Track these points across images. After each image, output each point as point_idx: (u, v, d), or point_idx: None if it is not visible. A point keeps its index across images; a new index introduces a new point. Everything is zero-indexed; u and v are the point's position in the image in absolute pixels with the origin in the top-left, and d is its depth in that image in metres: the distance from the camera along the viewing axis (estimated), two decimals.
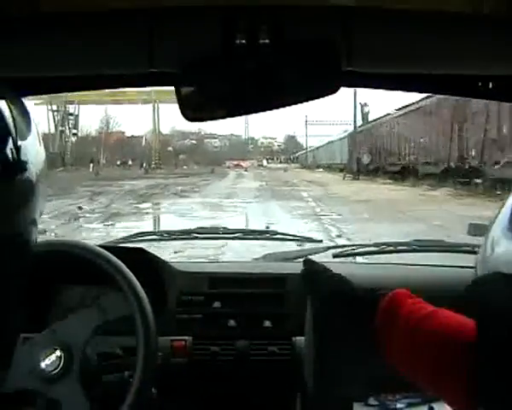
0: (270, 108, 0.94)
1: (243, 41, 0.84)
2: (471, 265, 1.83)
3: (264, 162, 54.78)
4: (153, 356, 1.30)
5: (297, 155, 58.45)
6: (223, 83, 0.88)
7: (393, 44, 0.89)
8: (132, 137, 55.56)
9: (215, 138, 62.21)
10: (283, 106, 0.92)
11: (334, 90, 0.88)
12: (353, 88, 1.08)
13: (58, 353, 1.24)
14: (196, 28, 0.87)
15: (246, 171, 40.69)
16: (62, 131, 45.61)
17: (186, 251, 5.56)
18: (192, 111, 0.91)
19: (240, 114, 0.95)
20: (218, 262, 2.06)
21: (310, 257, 2.01)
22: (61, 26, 0.85)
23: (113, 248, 1.80)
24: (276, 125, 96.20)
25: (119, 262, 1.36)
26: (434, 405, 1.61)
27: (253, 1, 0.82)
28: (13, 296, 0.62)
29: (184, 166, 48.57)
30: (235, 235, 2.29)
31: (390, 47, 0.89)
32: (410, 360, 0.76)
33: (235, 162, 51.35)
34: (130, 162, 48.75)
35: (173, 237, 2.26)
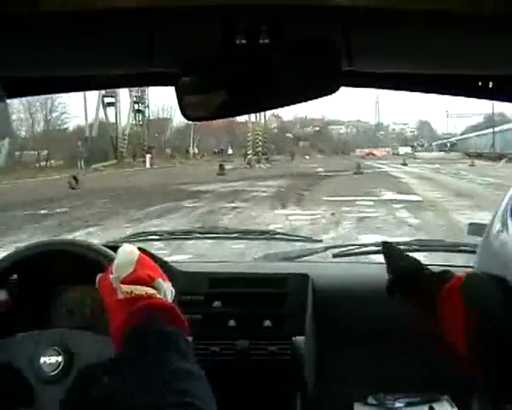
0: (270, 108, 0.94)
1: (243, 41, 0.84)
2: (471, 265, 1.84)
3: (401, 150, 46.08)
4: None
5: (454, 139, 48.83)
6: (223, 82, 0.88)
7: (393, 44, 0.89)
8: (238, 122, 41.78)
9: (340, 125, 54.47)
10: (283, 105, 0.93)
11: (334, 90, 0.88)
12: (353, 88, 1.07)
13: (59, 357, 1.24)
14: (196, 28, 0.87)
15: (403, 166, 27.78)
16: (139, 111, 37.76)
17: (186, 251, 5.57)
18: (192, 111, 0.91)
19: (240, 114, 0.95)
20: (217, 262, 2.06)
21: (309, 258, 2.02)
22: (61, 26, 0.85)
23: (113, 248, 1.80)
24: (407, 110, 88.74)
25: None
26: (435, 405, 1.61)
27: (253, 1, 0.82)
28: None
29: (306, 157, 40.24)
30: (236, 235, 2.29)
31: (390, 47, 0.89)
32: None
33: (367, 151, 44.69)
34: (230, 151, 40.21)
35: (174, 236, 2.26)
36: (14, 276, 1.36)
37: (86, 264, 1.34)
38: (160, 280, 0.98)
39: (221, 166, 24.50)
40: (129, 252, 1.00)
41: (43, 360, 1.23)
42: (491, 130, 38.62)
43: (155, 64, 0.90)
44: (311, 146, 46.56)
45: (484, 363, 0.95)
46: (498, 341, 0.94)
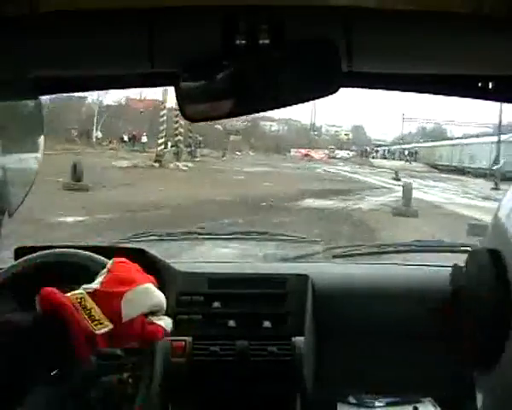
0: (270, 108, 0.94)
1: (243, 41, 0.84)
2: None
3: (340, 153, 41.76)
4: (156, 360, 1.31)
5: (416, 146, 42.42)
6: (223, 83, 0.88)
7: (393, 44, 0.89)
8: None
9: (273, 121, 50.87)
10: (283, 106, 0.92)
11: (334, 90, 0.88)
12: (353, 88, 1.07)
13: None
14: (196, 28, 0.87)
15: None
16: None
17: (186, 251, 5.55)
18: (192, 111, 0.91)
19: (240, 114, 0.95)
20: (217, 262, 2.06)
21: (309, 258, 2.02)
22: (61, 26, 0.85)
23: (112, 248, 1.80)
24: (341, 114, 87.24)
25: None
26: (419, 405, 1.61)
27: (253, 1, 0.82)
28: None
29: (238, 153, 34.58)
30: (235, 235, 2.29)
31: (390, 47, 0.89)
32: None
33: (304, 151, 40.31)
34: (144, 139, 29.87)
35: (173, 237, 2.26)
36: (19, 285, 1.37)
37: (81, 271, 1.35)
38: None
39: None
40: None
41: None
42: (462, 141, 34.47)
43: (155, 64, 0.90)
44: (243, 141, 41.34)
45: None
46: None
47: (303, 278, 1.69)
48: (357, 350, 1.68)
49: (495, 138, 27.66)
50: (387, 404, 1.61)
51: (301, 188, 14.09)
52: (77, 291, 0.94)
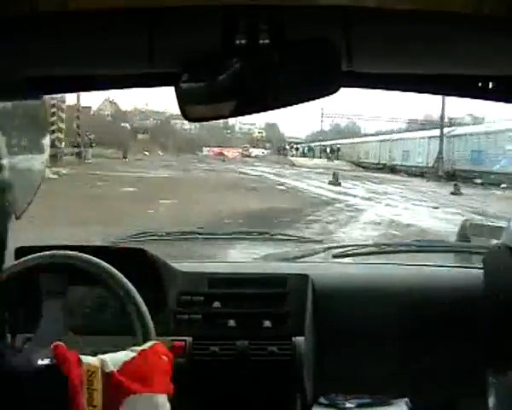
0: (271, 108, 0.94)
1: (243, 41, 0.84)
2: (471, 265, 1.84)
3: (254, 151, 38.76)
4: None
5: (338, 143, 38.68)
6: (223, 83, 0.88)
7: (393, 44, 0.89)
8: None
9: (184, 120, 53.24)
10: (284, 106, 0.92)
11: (334, 91, 0.88)
12: (353, 88, 1.07)
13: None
14: (196, 28, 0.87)
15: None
16: None
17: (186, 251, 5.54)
18: (192, 111, 0.91)
19: (240, 114, 0.95)
20: (217, 262, 2.06)
21: (309, 258, 2.02)
22: (61, 25, 0.85)
23: (113, 248, 1.80)
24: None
25: (112, 269, 1.37)
26: (392, 407, 1.60)
27: (253, 1, 0.82)
28: None
29: (146, 152, 30.74)
30: (235, 235, 2.29)
31: (390, 47, 0.89)
32: None
33: (217, 150, 37.46)
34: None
35: (173, 237, 2.26)
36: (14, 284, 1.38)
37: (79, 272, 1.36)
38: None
39: None
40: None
41: (41, 362, 1.23)
42: (393, 136, 30.58)
43: (155, 64, 0.90)
44: (151, 140, 38.44)
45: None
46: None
47: (303, 278, 1.68)
48: (357, 350, 1.68)
49: (431, 133, 24.51)
50: (359, 405, 1.60)
51: (220, 210, 9.01)
52: (95, 360, 0.94)
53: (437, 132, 22.95)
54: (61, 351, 0.94)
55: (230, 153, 37.32)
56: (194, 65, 0.88)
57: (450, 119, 26.45)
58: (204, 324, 1.61)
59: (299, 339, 1.57)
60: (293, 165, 28.79)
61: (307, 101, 0.91)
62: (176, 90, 0.88)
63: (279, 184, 15.39)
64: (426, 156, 24.03)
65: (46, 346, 1.26)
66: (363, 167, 28.71)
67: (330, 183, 15.75)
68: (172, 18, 0.85)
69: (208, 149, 38.19)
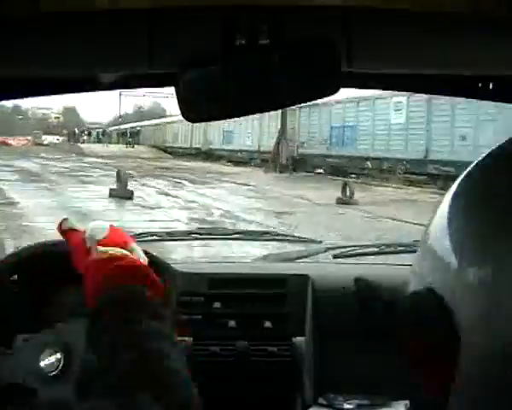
0: (271, 109, 0.94)
1: (243, 41, 0.84)
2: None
3: (48, 138, 33.82)
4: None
5: (139, 126, 34.22)
6: (223, 83, 0.88)
7: (393, 44, 0.89)
8: None
9: None
10: (283, 106, 0.93)
11: (334, 91, 0.88)
12: (353, 88, 1.08)
13: (58, 354, 1.24)
14: (196, 28, 0.87)
15: None
16: None
17: (186, 251, 5.54)
18: (192, 111, 0.91)
19: (240, 115, 0.95)
20: (217, 263, 2.06)
21: (310, 259, 2.02)
22: (61, 26, 0.85)
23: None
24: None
25: None
26: (391, 408, 1.59)
27: (253, 1, 0.82)
28: None
29: None
30: (235, 235, 2.29)
31: (390, 47, 0.89)
32: None
33: (0, 139, 32.03)
34: None
35: (173, 237, 2.26)
36: (15, 276, 1.37)
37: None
38: (135, 245, 0.98)
39: None
40: (101, 222, 1.01)
41: (42, 364, 1.23)
42: None
43: (155, 65, 0.90)
44: None
45: None
46: None
47: (303, 278, 1.68)
48: (357, 350, 1.68)
49: None
50: (358, 406, 1.59)
51: None
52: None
53: None
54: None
55: (16, 141, 33.41)
56: (194, 65, 0.88)
57: None
58: (204, 324, 1.61)
59: (300, 339, 1.57)
60: (82, 154, 24.30)
61: (307, 101, 0.91)
62: (176, 91, 0.88)
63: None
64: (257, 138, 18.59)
65: (46, 346, 1.26)
66: (170, 153, 24.49)
67: (112, 194, 10.46)
68: (172, 18, 0.85)
69: None
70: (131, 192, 10.05)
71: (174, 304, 1.62)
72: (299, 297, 1.64)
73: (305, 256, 1.99)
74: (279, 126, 17.56)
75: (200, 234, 2.24)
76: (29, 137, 35.27)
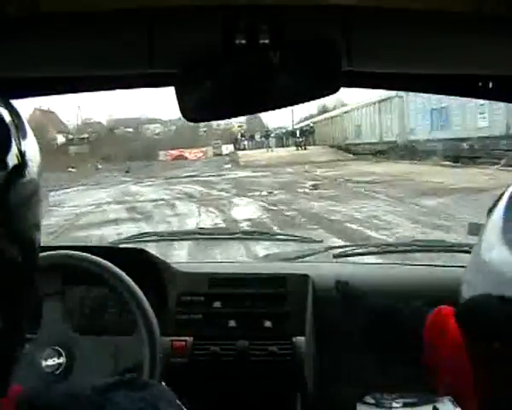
0: (271, 108, 0.94)
1: (243, 41, 0.84)
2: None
3: (225, 148, 33.79)
4: (157, 360, 1.31)
5: (311, 122, 30.00)
6: (223, 83, 0.88)
7: (393, 44, 0.89)
8: None
9: (157, 123, 45.54)
10: (284, 106, 0.92)
11: (334, 90, 0.88)
12: (353, 88, 1.07)
13: (59, 354, 1.24)
14: (196, 28, 0.87)
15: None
16: None
17: (186, 251, 5.54)
18: (192, 111, 0.91)
19: (240, 115, 0.95)
20: (217, 262, 2.06)
21: (310, 258, 2.02)
22: (61, 26, 0.85)
23: (113, 248, 1.80)
24: None
25: (114, 268, 1.37)
26: (438, 405, 1.60)
27: (253, 1, 0.82)
28: (20, 302, 0.58)
29: (72, 169, 26.03)
30: (236, 235, 2.29)
31: (390, 47, 0.89)
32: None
33: (176, 153, 32.61)
34: None
35: (174, 237, 2.26)
36: None
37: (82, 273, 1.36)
38: None
39: None
40: None
41: (44, 363, 1.23)
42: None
43: (155, 64, 0.90)
44: (91, 152, 34.03)
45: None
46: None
47: (303, 278, 1.68)
48: (357, 350, 1.68)
49: None
50: (405, 404, 1.59)
51: None
52: None
53: None
54: None
55: (191, 154, 33.37)
56: (194, 65, 0.88)
57: None
58: (204, 324, 1.61)
59: (300, 339, 1.57)
60: (237, 162, 18.12)
61: (307, 101, 0.91)
62: (176, 91, 0.88)
63: None
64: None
65: (48, 347, 1.26)
66: (355, 154, 17.37)
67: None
68: (172, 18, 0.86)
69: (166, 152, 33.78)
70: None
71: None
72: (299, 297, 1.64)
73: (306, 256, 1.99)
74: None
75: (201, 234, 2.24)
76: (204, 149, 34.88)
